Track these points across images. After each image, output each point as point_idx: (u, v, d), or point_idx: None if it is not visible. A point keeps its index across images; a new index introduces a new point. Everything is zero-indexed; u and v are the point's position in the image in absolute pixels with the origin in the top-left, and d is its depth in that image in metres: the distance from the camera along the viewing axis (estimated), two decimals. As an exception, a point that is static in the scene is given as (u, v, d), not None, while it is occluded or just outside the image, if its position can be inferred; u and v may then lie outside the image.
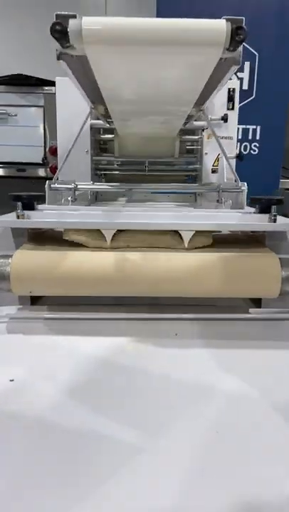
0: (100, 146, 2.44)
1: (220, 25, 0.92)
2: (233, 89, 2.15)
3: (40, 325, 1.14)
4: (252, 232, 1.34)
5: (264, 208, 1.24)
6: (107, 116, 1.94)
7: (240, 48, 1.00)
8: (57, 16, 0.94)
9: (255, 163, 3.97)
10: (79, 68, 1.24)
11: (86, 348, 1.04)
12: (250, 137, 4.13)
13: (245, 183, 1.67)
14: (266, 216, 1.20)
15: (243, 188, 1.65)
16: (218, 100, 2.18)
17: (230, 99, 2.16)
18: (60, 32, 0.93)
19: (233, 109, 2.17)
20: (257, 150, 4.16)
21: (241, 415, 0.81)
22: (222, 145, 1.84)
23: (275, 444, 0.73)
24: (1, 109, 4.48)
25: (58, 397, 0.85)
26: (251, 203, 1.30)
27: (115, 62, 1.01)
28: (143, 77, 1.09)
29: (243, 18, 0.96)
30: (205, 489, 0.63)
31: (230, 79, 2.37)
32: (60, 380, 0.90)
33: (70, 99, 2.13)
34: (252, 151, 4.15)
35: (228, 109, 2.17)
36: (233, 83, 2.21)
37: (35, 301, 1.25)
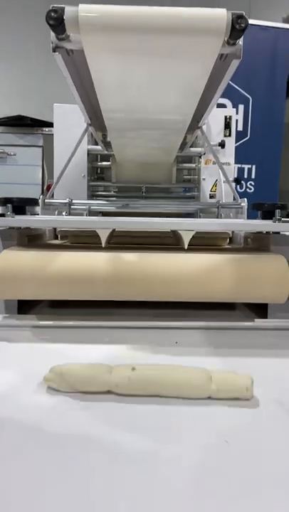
0: (97, 175, 2.43)
1: (220, 13, 0.90)
2: (230, 116, 2.18)
3: (27, 333, 1.03)
4: (254, 243, 1.27)
5: (267, 214, 1.18)
6: (105, 141, 1.94)
7: (241, 42, 0.98)
8: (53, 6, 0.92)
9: (251, 200, 4.00)
10: (75, 75, 1.23)
11: (77, 354, 0.93)
12: (245, 176, 4.19)
13: (245, 199, 1.63)
14: (269, 221, 1.14)
15: (242, 204, 1.60)
16: (215, 127, 2.20)
17: (227, 126, 2.18)
18: (55, 19, 0.90)
19: (230, 135, 2.19)
20: (253, 188, 4.22)
21: (250, 423, 0.70)
22: (222, 167, 1.82)
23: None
24: (0, 148, 4.55)
25: (45, 402, 0.74)
26: (253, 209, 1.25)
27: (112, 54, 0.98)
28: (140, 74, 1.06)
29: (243, 12, 0.95)
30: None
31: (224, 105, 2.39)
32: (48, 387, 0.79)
33: (68, 126, 2.15)
34: (248, 190, 4.19)
35: (224, 136, 2.18)
36: (230, 111, 2.24)
37: (22, 311, 1.15)
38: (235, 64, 1.04)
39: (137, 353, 0.94)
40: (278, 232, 1.15)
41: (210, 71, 1.05)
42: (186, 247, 1.07)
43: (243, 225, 1.20)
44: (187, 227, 1.07)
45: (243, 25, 0.91)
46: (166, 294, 1.05)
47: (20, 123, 4.53)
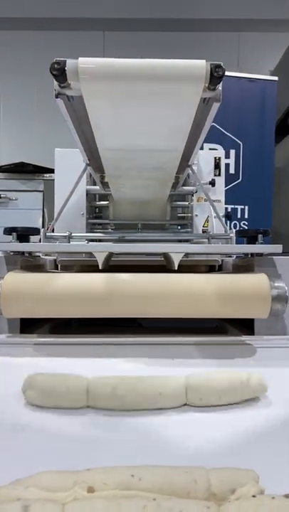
0: (95, 214, 2.56)
1: (200, 63, 1.05)
2: (219, 157, 2.34)
3: (29, 349, 1.10)
4: (241, 268, 1.36)
5: (251, 239, 1.28)
6: (102, 181, 2.08)
7: (220, 87, 1.12)
8: (56, 59, 1.07)
9: (245, 239, 4.14)
10: (75, 118, 1.37)
11: (77, 369, 0.99)
12: (239, 216, 4.36)
13: (234, 230, 1.73)
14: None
15: (231, 235, 1.70)
16: (206, 168, 2.35)
17: (217, 166, 2.34)
18: (58, 70, 1.05)
19: (219, 175, 2.34)
20: (246, 228, 4.36)
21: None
22: (212, 203, 1.95)
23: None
24: (2, 194, 4.73)
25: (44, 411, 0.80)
26: (239, 236, 1.35)
27: (107, 99, 1.12)
28: (132, 116, 1.20)
29: (221, 63, 1.10)
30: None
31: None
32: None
33: (67, 168, 2.31)
34: (241, 229, 4.34)
35: (215, 175, 2.34)
36: (219, 152, 2.41)
37: (24, 331, 1.23)
38: (216, 106, 1.17)
39: (136, 365, 1.01)
40: (261, 254, 1.25)
41: (194, 112, 1.18)
42: (176, 267, 1.17)
43: (231, 247, 1.30)
44: (178, 250, 1.17)
45: (220, 73, 1.06)
46: (159, 310, 1.13)
47: (23, 169, 4.76)
